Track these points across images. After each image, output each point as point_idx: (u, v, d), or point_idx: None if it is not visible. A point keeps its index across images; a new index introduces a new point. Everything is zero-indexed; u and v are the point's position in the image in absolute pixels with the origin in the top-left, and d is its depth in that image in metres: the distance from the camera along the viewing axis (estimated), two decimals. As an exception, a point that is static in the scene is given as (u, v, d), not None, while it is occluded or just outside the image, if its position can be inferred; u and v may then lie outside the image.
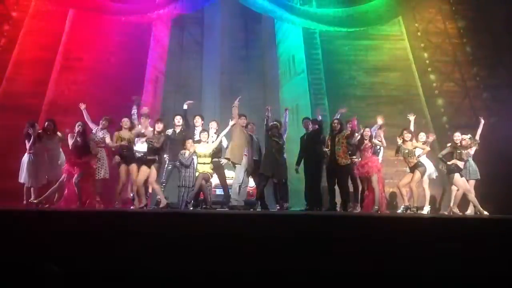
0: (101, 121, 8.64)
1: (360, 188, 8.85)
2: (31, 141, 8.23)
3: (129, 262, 4.60)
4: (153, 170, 8.39)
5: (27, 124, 8.33)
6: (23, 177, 8.32)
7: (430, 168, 8.99)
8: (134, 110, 8.82)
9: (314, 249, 4.92)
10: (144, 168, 8.34)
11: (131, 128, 8.59)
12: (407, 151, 8.45)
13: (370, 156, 8.59)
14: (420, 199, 8.67)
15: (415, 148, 8.51)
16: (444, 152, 8.63)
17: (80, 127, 8.30)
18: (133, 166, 8.42)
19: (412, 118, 8.79)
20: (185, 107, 9.02)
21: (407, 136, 8.51)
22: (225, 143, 8.97)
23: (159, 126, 8.53)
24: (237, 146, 8.70)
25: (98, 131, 8.58)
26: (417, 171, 8.41)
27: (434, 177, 9.11)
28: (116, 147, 8.46)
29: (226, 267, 4.61)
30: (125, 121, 8.56)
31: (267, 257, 4.78)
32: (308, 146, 8.78)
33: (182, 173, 8.48)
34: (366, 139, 8.60)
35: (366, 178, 8.65)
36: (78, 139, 8.23)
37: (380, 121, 8.77)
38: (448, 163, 8.41)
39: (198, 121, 9.05)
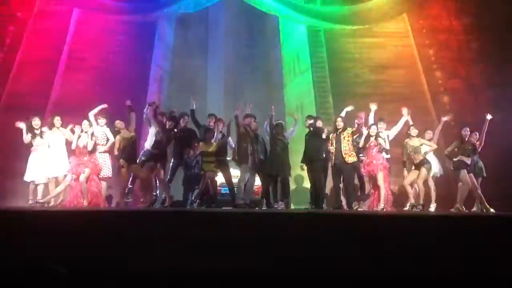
0: (97, 119, 8.55)
1: (366, 186, 8.82)
2: (23, 133, 8.32)
3: (131, 262, 4.60)
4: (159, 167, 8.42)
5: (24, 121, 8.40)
6: (28, 175, 8.35)
7: (436, 166, 8.94)
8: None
9: (317, 249, 4.90)
10: (150, 164, 8.38)
11: (127, 127, 8.58)
12: (413, 147, 8.42)
13: (375, 154, 8.55)
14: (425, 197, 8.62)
15: (421, 144, 8.48)
16: (450, 148, 8.60)
17: (88, 126, 8.32)
18: (136, 166, 8.45)
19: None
20: (193, 107, 8.92)
21: (414, 132, 8.49)
22: (231, 143, 8.97)
23: (170, 124, 8.55)
24: (242, 145, 8.69)
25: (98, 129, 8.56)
26: (423, 168, 8.38)
27: (438, 176, 9.05)
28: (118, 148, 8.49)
29: (230, 266, 4.60)
30: (119, 123, 8.53)
31: (270, 256, 4.77)
32: (310, 144, 8.75)
33: (187, 171, 8.48)
34: (372, 136, 8.58)
35: (371, 176, 8.62)
36: (87, 138, 8.24)
37: (373, 106, 8.81)
38: (455, 159, 8.38)
39: (211, 121, 9.01)
